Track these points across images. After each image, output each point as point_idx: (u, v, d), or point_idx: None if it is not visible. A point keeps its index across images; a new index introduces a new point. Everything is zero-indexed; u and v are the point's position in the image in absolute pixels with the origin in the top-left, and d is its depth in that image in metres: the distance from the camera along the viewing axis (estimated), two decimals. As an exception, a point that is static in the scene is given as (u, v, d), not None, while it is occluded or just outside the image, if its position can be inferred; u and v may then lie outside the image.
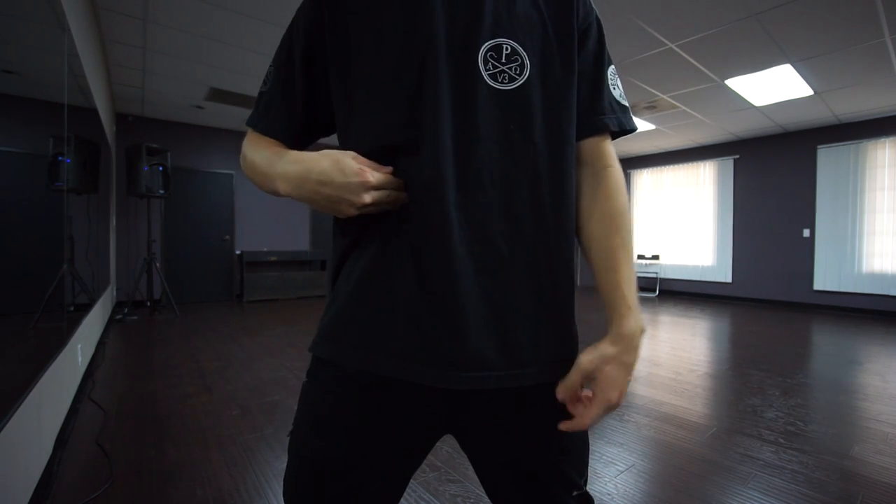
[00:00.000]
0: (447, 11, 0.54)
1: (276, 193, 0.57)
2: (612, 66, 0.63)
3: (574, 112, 0.59)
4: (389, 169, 0.53)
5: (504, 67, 0.54)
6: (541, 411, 0.56)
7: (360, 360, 0.53)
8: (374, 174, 0.51)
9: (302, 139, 0.64)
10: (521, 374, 0.54)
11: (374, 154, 0.53)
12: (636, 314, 0.55)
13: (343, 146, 0.58)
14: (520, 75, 0.54)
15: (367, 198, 0.50)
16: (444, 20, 0.53)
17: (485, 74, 0.53)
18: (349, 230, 0.58)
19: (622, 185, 0.61)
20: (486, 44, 0.54)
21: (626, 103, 0.64)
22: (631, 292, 0.56)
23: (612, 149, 0.62)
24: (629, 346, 0.54)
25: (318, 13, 0.57)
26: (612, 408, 0.53)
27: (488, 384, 0.52)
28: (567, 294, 0.58)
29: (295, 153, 0.55)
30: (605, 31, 0.63)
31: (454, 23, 0.53)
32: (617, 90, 0.63)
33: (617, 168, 0.62)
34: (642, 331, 0.55)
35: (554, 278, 0.57)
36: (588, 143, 0.61)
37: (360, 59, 0.55)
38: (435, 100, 0.52)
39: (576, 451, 0.59)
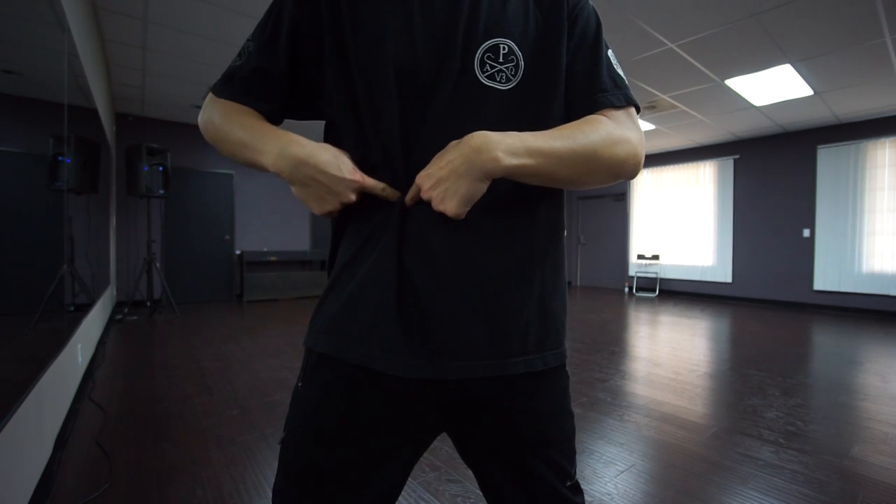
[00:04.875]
0: (444, 14, 0.54)
1: (253, 165, 0.57)
2: (611, 51, 0.61)
3: (561, 108, 0.58)
4: (382, 185, 0.54)
5: (502, 67, 0.54)
6: (530, 402, 0.57)
7: (361, 356, 0.53)
8: (366, 178, 0.54)
9: (277, 119, 0.64)
10: (510, 363, 0.55)
11: (370, 155, 0.55)
12: (494, 136, 0.49)
13: (333, 142, 0.60)
14: (515, 75, 0.55)
15: (353, 196, 0.54)
16: (441, 24, 0.54)
17: (482, 76, 0.54)
18: (348, 225, 0.59)
19: (610, 130, 0.54)
20: (484, 45, 0.54)
21: (628, 83, 0.62)
22: (524, 134, 0.51)
23: (628, 121, 0.57)
24: (459, 143, 0.50)
25: (314, 7, 0.56)
26: (419, 188, 0.52)
27: (478, 373, 0.53)
28: (554, 286, 0.59)
29: (296, 136, 0.56)
30: (605, 32, 0.62)
31: (452, 26, 0.54)
32: (619, 69, 0.61)
33: (619, 127, 0.55)
34: (476, 147, 0.49)
35: (542, 271, 0.58)
36: None
37: (357, 62, 0.55)
38: (433, 103, 0.53)
39: (566, 440, 0.60)
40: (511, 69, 0.54)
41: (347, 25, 0.55)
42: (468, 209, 0.51)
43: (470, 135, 0.50)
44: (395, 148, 0.54)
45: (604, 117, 0.56)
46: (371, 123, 0.54)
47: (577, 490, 0.61)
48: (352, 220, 0.58)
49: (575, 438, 0.63)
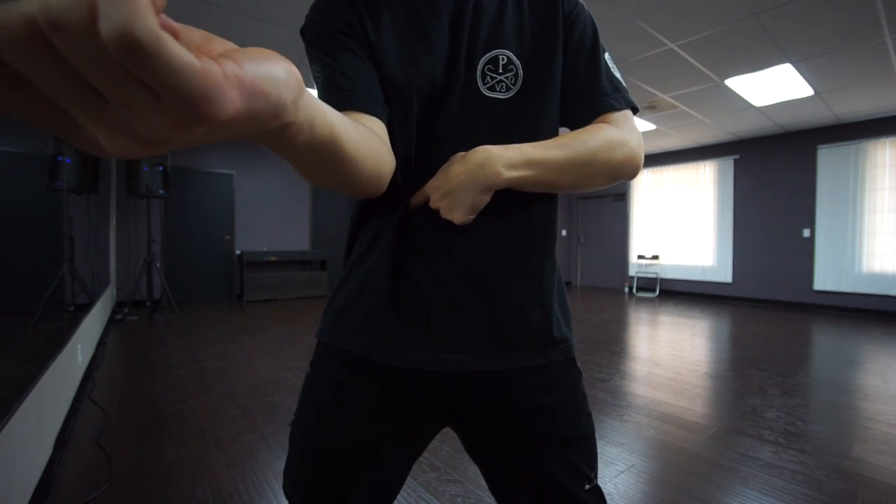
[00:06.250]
0: (450, 32, 0.56)
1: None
2: (608, 54, 0.62)
3: (556, 111, 0.60)
4: None
5: (501, 77, 0.56)
6: (536, 398, 0.58)
7: (359, 346, 0.56)
8: None
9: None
10: (509, 358, 0.56)
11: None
12: (496, 150, 0.52)
13: None
14: (514, 84, 0.56)
15: None
16: (448, 42, 0.56)
17: (484, 88, 0.56)
18: (363, 224, 0.61)
19: (610, 135, 0.55)
20: (484, 57, 0.56)
21: (625, 84, 0.63)
22: (524, 147, 0.53)
23: (627, 124, 0.58)
24: (464, 157, 0.52)
25: (351, 20, 0.55)
26: (426, 194, 0.54)
27: (477, 366, 0.55)
28: (551, 282, 0.60)
29: None
30: (605, 32, 0.63)
31: (457, 42, 0.56)
32: (617, 72, 0.62)
33: (619, 131, 0.56)
34: (479, 163, 0.51)
35: (541, 267, 0.59)
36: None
37: (384, 85, 0.56)
38: (441, 116, 0.55)
39: (580, 439, 0.59)
40: (510, 78, 0.56)
41: (376, 50, 0.55)
42: (474, 217, 0.53)
43: (473, 150, 0.52)
44: (408, 158, 0.55)
45: (604, 123, 0.58)
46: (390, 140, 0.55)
47: (598, 494, 0.59)
48: (367, 219, 0.60)
49: (594, 439, 0.61)
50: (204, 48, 0.20)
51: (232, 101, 0.20)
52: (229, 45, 0.22)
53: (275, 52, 0.24)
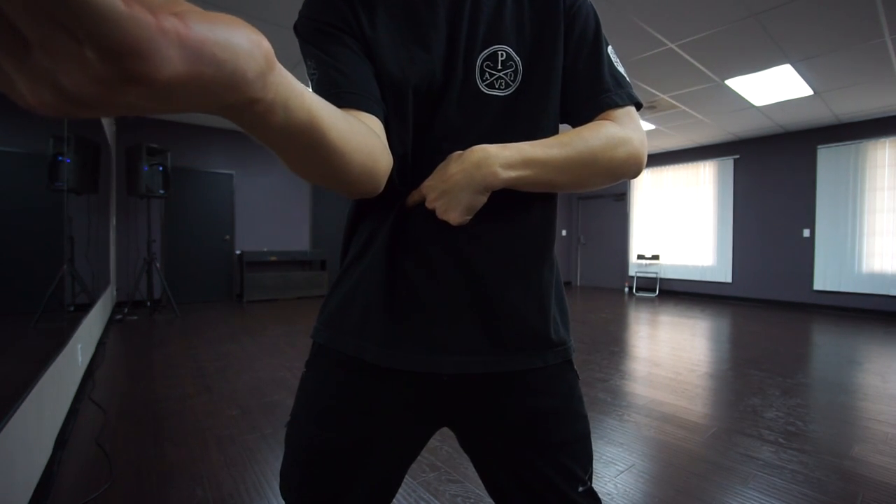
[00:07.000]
0: (448, 28, 0.55)
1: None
2: (610, 47, 0.61)
3: (556, 108, 0.59)
4: None
5: (500, 74, 0.55)
6: (532, 400, 0.57)
7: (354, 347, 0.55)
8: None
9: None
10: (506, 360, 0.55)
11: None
12: (493, 150, 0.50)
13: None
14: (514, 80, 0.55)
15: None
16: (446, 38, 0.54)
17: (482, 85, 0.55)
18: (359, 223, 0.60)
19: (612, 133, 0.54)
20: (483, 53, 0.55)
21: (629, 80, 0.61)
22: (522, 146, 0.52)
23: (630, 122, 0.57)
24: (461, 157, 0.51)
25: (348, 19, 0.54)
26: (422, 193, 0.53)
27: (474, 368, 0.54)
28: (550, 283, 0.60)
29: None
30: (605, 32, 0.61)
31: (454, 39, 0.54)
32: (620, 66, 0.60)
33: (622, 128, 0.55)
34: (475, 163, 0.50)
35: (539, 268, 0.58)
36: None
37: (379, 80, 0.55)
38: (439, 114, 0.54)
39: (575, 442, 0.59)
40: (510, 75, 0.55)
41: (371, 45, 0.54)
42: (470, 217, 0.52)
43: (470, 149, 0.51)
44: (405, 157, 0.55)
45: (606, 121, 0.56)
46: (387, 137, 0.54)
47: (592, 496, 0.59)
48: (364, 219, 0.59)
49: (589, 442, 0.61)
50: (165, 9, 0.18)
51: (169, 61, 0.18)
52: (195, 8, 0.20)
53: (242, 21, 0.22)
